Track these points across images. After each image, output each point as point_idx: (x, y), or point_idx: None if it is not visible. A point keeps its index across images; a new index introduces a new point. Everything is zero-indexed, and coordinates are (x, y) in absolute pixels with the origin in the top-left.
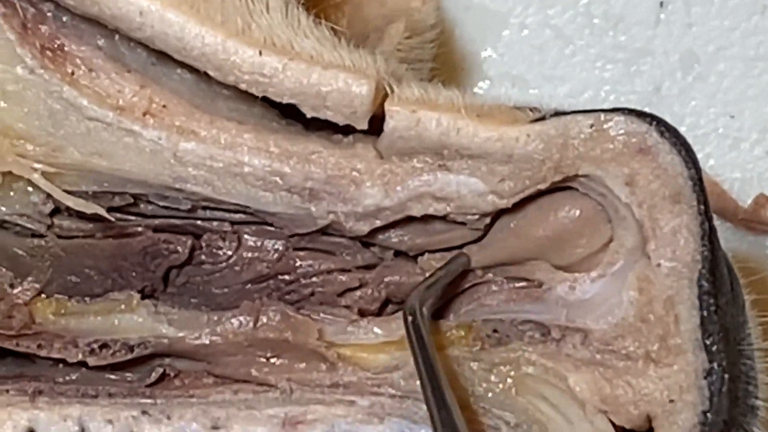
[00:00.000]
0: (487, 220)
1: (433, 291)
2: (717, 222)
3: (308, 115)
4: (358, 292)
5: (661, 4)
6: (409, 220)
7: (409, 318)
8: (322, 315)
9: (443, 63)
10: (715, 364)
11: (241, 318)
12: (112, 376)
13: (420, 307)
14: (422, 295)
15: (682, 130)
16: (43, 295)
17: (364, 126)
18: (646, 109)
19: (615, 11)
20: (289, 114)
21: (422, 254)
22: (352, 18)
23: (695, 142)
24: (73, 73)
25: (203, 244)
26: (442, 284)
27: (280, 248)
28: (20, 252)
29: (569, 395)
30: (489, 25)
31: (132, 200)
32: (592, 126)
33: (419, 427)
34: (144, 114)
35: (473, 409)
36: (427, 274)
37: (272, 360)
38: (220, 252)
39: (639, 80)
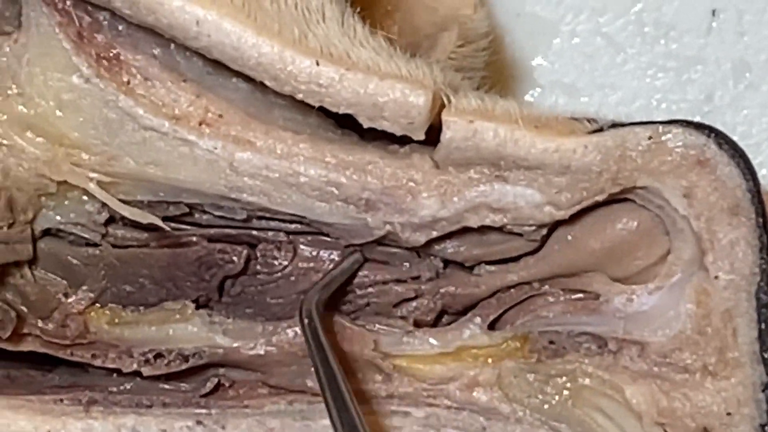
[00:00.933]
0: (544, 231)
1: (328, 291)
2: None
3: (365, 126)
4: (413, 303)
5: (713, 12)
6: (466, 230)
7: (306, 321)
8: (377, 326)
9: (494, 71)
10: None
11: (297, 328)
12: (167, 386)
13: (316, 308)
14: (318, 297)
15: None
16: (97, 305)
17: (421, 136)
18: (698, 118)
19: (666, 19)
20: (345, 124)
21: (478, 265)
22: (402, 26)
23: (747, 151)
24: (128, 82)
25: (258, 254)
26: (337, 284)
27: (336, 259)
28: (75, 261)
29: (626, 407)
30: (540, 33)
31: (187, 210)
32: (650, 138)
33: None
34: (200, 123)
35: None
36: (321, 275)
37: None
38: (276, 262)
39: (690, 89)
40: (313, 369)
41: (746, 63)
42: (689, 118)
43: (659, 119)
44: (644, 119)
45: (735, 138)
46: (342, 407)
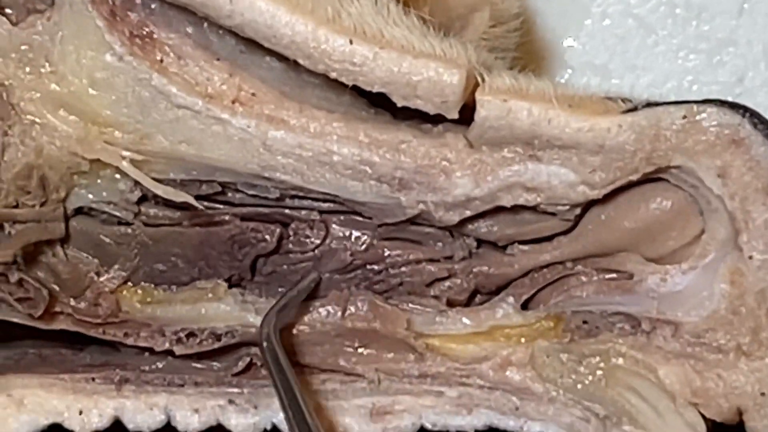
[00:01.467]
0: (578, 210)
1: (286, 313)
2: None
3: (398, 104)
4: (446, 283)
5: None
6: (499, 210)
7: (264, 344)
8: (410, 305)
9: (525, 52)
10: None
11: (329, 307)
12: (199, 365)
13: (274, 331)
14: (276, 320)
15: None
16: (129, 284)
17: (455, 115)
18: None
19: (698, 1)
20: (378, 103)
21: (512, 245)
22: (434, 6)
23: None
24: (161, 61)
25: (291, 233)
26: (294, 304)
27: (369, 238)
28: (107, 240)
29: (659, 387)
30: (571, 14)
31: (220, 188)
32: (684, 117)
33: (508, 418)
34: (233, 102)
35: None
36: (279, 297)
37: (360, 350)
38: (308, 241)
39: (722, 71)
40: (273, 387)
41: None
42: None
43: None
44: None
45: None
46: (303, 427)
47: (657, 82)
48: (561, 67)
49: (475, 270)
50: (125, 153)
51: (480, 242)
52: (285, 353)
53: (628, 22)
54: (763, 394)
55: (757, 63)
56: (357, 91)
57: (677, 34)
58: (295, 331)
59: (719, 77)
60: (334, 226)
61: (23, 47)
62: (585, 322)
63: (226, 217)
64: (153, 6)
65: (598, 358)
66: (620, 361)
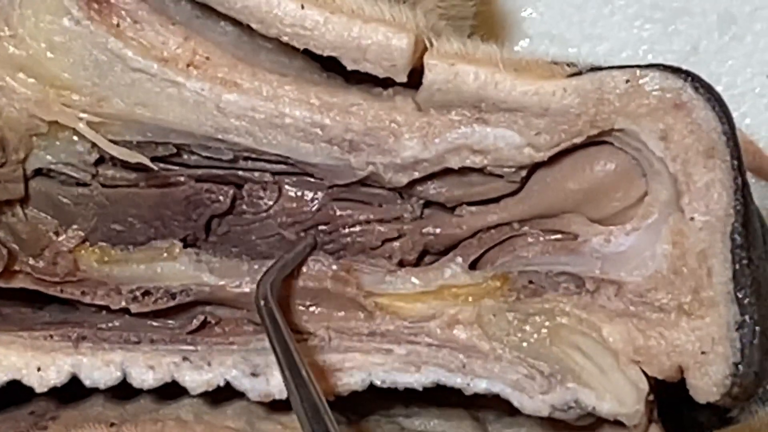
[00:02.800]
0: (524, 173)
1: (283, 275)
2: (752, 180)
3: (349, 68)
4: (396, 243)
5: None
6: (447, 172)
7: (261, 302)
8: (360, 264)
9: (484, 21)
10: (746, 317)
11: None
12: (154, 323)
13: (271, 291)
14: (273, 280)
15: (718, 89)
16: (87, 243)
17: (404, 79)
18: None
19: None
20: (329, 67)
21: (460, 206)
22: None
23: (731, 102)
24: (118, 25)
25: (244, 194)
26: (291, 267)
27: (320, 199)
28: (65, 200)
29: (603, 346)
30: None
31: (175, 150)
32: (627, 81)
33: (455, 375)
34: (188, 66)
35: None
36: (276, 260)
37: (311, 308)
38: (261, 202)
39: (676, 39)
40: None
41: (731, 14)
42: None
43: None
44: None
45: (719, 88)
46: (301, 385)
47: (613, 51)
48: (519, 37)
49: (424, 231)
50: (82, 115)
51: (429, 203)
52: (281, 313)
53: None
54: (703, 352)
55: (711, 32)
56: (309, 55)
57: (633, 4)
58: (248, 290)
59: (674, 46)
60: (286, 187)
61: None
62: (531, 281)
63: (181, 179)
64: None
65: (543, 317)
66: (565, 320)
